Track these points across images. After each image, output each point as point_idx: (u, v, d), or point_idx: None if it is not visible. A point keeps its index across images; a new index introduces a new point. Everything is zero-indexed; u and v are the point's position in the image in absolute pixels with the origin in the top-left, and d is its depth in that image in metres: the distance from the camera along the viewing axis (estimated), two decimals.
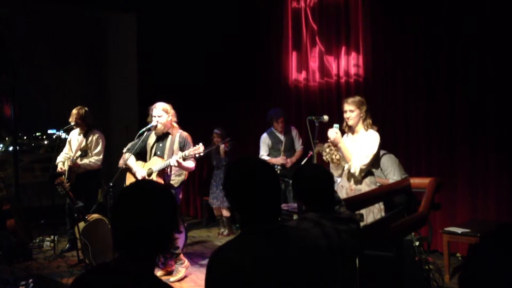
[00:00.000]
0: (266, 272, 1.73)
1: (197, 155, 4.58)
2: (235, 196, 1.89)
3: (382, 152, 4.77)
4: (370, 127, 4.02)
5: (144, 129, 4.98)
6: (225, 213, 6.68)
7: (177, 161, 4.56)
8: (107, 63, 9.06)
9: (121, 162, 5.03)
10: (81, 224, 5.18)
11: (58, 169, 5.77)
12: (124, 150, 4.98)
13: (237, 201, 1.89)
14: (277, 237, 1.83)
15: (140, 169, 4.84)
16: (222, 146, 6.53)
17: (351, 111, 4.03)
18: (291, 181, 5.54)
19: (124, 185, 4.99)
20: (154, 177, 4.74)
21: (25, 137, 11.30)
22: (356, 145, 4.03)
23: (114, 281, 1.60)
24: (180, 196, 5.11)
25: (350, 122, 4.06)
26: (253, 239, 1.80)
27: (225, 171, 6.53)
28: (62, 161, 5.89)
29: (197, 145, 4.59)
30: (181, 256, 5.00)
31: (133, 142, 4.97)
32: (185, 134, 4.91)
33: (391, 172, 4.74)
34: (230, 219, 6.77)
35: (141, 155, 5.00)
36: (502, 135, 4.79)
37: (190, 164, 4.79)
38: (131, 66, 9.17)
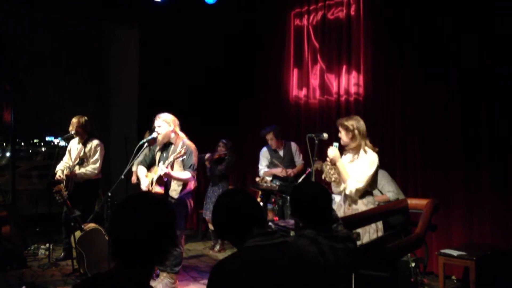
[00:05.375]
0: (266, 285, 1.75)
1: (180, 159, 4.59)
2: (225, 227, 2.03)
3: None
4: (368, 148, 4.03)
5: (144, 140, 5.02)
6: None
7: (164, 173, 4.58)
8: (109, 74, 9.10)
9: (133, 178, 5.07)
10: (77, 233, 5.18)
11: (57, 177, 5.78)
12: (134, 168, 5.00)
13: (226, 232, 2.05)
14: (278, 251, 1.88)
15: (144, 179, 4.87)
16: (207, 155, 6.53)
17: (340, 132, 4.12)
18: (289, 197, 5.59)
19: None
20: (154, 186, 4.76)
21: (22, 144, 11.27)
22: (354, 165, 4.04)
23: None
24: (191, 203, 5.04)
25: (342, 143, 4.13)
26: (255, 253, 1.85)
27: (213, 184, 6.55)
28: (62, 169, 5.89)
29: (180, 149, 4.61)
30: (176, 277, 4.94)
31: (142, 155, 4.99)
32: (188, 143, 4.88)
33: (385, 185, 4.79)
34: None
35: (151, 167, 5.02)
36: (497, 159, 4.81)
37: (185, 174, 4.72)
38: (132, 77, 9.23)
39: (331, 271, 2.34)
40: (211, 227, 6.77)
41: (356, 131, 3.99)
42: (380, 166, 4.20)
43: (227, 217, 1.98)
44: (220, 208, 2.03)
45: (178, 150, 4.73)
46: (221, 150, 6.58)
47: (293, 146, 6.28)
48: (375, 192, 4.73)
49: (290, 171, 6.03)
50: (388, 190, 4.82)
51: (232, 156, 6.60)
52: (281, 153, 6.21)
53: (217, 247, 6.68)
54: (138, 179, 5.16)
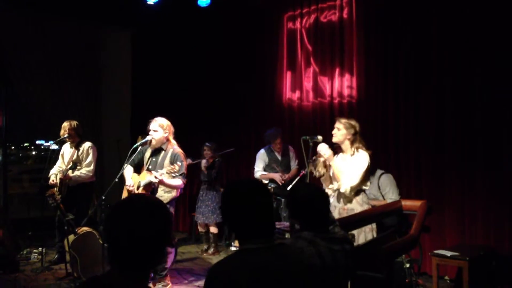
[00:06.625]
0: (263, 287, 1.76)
1: (173, 175, 4.60)
2: (232, 215, 1.97)
3: (380, 171, 4.86)
4: (361, 149, 4.09)
5: (138, 143, 5.01)
6: (213, 229, 6.65)
7: (156, 178, 4.58)
8: (101, 78, 9.05)
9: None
10: (71, 237, 5.15)
11: (50, 181, 5.76)
12: (124, 166, 4.99)
13: (233, 220, 1.97)
14: (274, 254, 1.88)
15: (129, 179, 4.85)
16: (203, 161, 6.54)
17: (338, 129, 4.17)
18: (283, 199, 5.62)
19: (121, 198, 5.01)
20: (140, 191, 4.76)
21: (12, 147, 11.19)
22: (346, 164, 4.09)
23: None
24: (172, 211, 5.04)
25: (334, 139, 4.19)
26: (251, 255, 1.84)
27: (208, 188, 6.54)
28: (55, 173, 5.88)
29: (174, 164, 4.62)
30: (167, 279, 4.96)
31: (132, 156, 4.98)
32: (177, 150, 4.89)
33: (389, 192, 4.82)
34: (217, 236, 6.74)
35: (139, 167, 5.02)
36: (490, 160, 4.87)
37: (176, 182, 4.72)
38: (125, 80, 9.20)
39: (329, 273, 2.35)
40: (201, 229, 6.77)
41: (358, 135, 4.07)
42: (379, 166, 4.24)
43: (250, 208, 1.90)
44: (246, 197, 1.93)
45: (168, 158, 4.77)
46: (207, 154, 6.59)
47: (291, 150, 6.29)
48: (377, 195, 4.78)
49: (286, 176, 6.03)
50: (390, 197, 4.84)
51: (220, 158, 6.65)
52: (279, 156, 6.21)
53: (211, 249, 6.67)
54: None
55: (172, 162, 4.79)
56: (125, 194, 4.97)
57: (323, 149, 4.11)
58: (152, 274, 4.99)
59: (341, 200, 4.10)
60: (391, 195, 4.82)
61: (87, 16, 8.24)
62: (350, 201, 4.05)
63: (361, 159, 4.04)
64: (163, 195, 4.79)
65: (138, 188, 4.79)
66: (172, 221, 1.78)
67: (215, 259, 6.31)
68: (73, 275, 5.16)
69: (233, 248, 6.84)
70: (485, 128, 4.91)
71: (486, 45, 4.90)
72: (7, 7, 7.58)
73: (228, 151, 6.54)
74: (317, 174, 4.20)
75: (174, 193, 4.85)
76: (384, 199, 4.87)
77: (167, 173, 4.57)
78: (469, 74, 5.02)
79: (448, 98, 5.18)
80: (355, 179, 3.97)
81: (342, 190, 4.02)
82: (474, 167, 4.99)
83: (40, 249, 6.09)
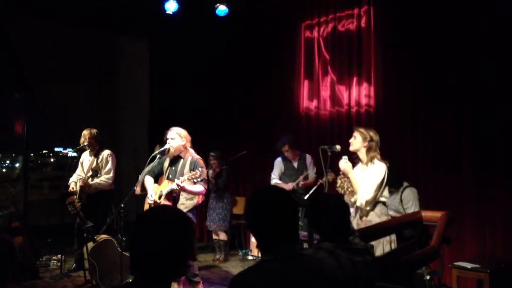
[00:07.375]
0: None
1: (195, 180, 4.62)
2: (256, 224, 1.96)
3: (405, 184, 4.81)
4: (377, 160, 4.07)
5: (157, 152, 5.05)
6: (222, 236, 6.66)
7: (178, 185, 4.60)
8: (119, 86, 9.16)
9: (138, 189, 5.09)
10: (90, 244, 5.20)
11: (70, 188, 5.82)
12: (140, 177, 5.02)
13: (257, 229, 1.96)
14: (296, 264, 1.88)
15: (151, 191, 4.88)
16: (210, 172, 6.53)
17: (354, 137, 4.18)
18: (300, 209, 5.59)
19: (143, 207, 5.05)
20: (162, 200, 4.78)
21: (31, 154, 11.34)
22: (364, 176, 4.09)
23: None
24: (194, 219, 5.05)
25: (350, 147, 4.21)
26: (273, 266, 1.84)
27: (217, 196, 6.57)
28: (75, 181, 5.95)
29: (196, 170, 4.64)
30: (200, 285, 4.98)
31: (150, 166, 5.01)
32: (196, 157, 4.92)
33: (411, 206, 4.75)
34: (227, 243, 6.76)
35: (158, 178, 5.05)
36: (511, 170, 4.80)
37: (198, 188, 4.76)
38: (142, 89, 9.28)
39: (350, 285, 2.34)
40: (215, 237, 6.80)
41: (373, 143, 4.05)
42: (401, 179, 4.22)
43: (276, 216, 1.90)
44: (274, 205, 1.93)
45: (187, 165, 4.79)
46: (214, 164, 6.62)
47: (308, 158, 6.25)
48: (399, 207, 4.73)
49: (300, 181, 6.00)
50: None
51: (227, 166, 6.70)
52: (295, 164, 6.19)
53: (222, 256, 6.71)
54: (143, 189, 5.19)
55: (191, 169, 4.82)
56: (147, 207, 5.01)
57: (342, 163, 4.12)
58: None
59: (359, 211, 4.09)
60: (412, 210, 4.74)
61: (105, 24, 8.36)
62: (367, 214, 4.03)
63: (376, 171, 4.02)
64: (185, 202, 4.82)
65: (160, 197, 4.81)
66: (194, 232, 1.79)
67: (231, 268, 6.31)
68: (92, 282, 5.20)
69: (250, 257, 6.82)
70: (505, 135, 4.85)
71: (506, 51, 4.85)
72: (26, 15, 7.71)
73: (240, 154, 6.56)
74: (341, 190, 4.20)
75: (196, 200, 4.87)
76: (405, 213, 4.81)
77: (188, 179, 4.60)
78: (489, 81, 4.97)
79: (466, 105, 5.13)
80: (370, 194, 3.96)
81: (358, 204, 4.04)
82: (495, 176, 4.92)
83: (59, 256, 6.14)
